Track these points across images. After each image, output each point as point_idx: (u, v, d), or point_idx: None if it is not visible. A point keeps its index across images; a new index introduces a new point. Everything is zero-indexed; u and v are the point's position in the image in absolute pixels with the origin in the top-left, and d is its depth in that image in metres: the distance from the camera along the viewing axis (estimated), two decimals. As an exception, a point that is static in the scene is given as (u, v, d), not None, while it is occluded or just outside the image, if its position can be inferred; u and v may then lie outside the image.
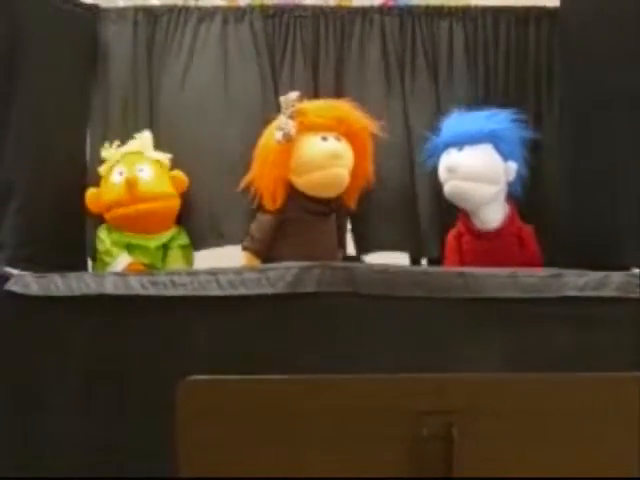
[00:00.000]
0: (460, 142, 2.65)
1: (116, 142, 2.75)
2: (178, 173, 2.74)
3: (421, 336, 2.08)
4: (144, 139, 2.75)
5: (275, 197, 2.59)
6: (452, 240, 2.74)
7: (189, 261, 2.78)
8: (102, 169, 2.72)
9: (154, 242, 2.70)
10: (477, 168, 2.63)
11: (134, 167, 2.66)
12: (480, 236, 2.67)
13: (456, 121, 2.70)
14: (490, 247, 2.64)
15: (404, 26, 2.90)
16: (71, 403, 2.12)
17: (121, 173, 2.66)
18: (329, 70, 2.89)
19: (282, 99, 2.58)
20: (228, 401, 1.51)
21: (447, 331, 2.09)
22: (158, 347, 2.10)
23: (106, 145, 2.75)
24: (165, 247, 2.73)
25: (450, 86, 2.88)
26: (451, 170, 2.62)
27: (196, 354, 2.04)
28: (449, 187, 2.64)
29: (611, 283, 2.12)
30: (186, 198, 2.78)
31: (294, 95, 2.57)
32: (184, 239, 2.77)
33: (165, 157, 2.76)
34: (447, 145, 2.67)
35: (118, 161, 2.70)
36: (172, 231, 2.75)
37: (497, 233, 2.67)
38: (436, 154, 2.70)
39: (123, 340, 2.11)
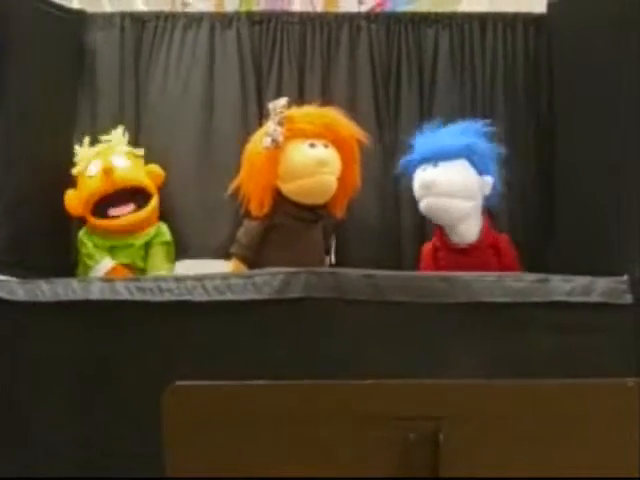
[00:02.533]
0: (435, 158, 2.62)
1: (87, 140, 2.76)
2: (154, 167, 2.76)
3: (407, 341, 2.07)
4: (117, 134, 2.76)
5: (262, 203, 2.59)
6: (428, 253, 2.71)
7: (170, 258, 2.78)
8: (76, 170, 2.72)
9: (138, 240, 2.71)
10: (453, 184, 2.60)
11: (110, 159, 2.67)
12: (457, 251, 2.65)
13: (429, 137, 2.67)
14: (467, 261, 2.61)
15: (391, 32, 2.91)
16: (57, 408, 2.12)
17: (96, 166, 2.67)
18: (315, 76, 2.89)
19: (270, 105, 2.58)
20: (214, 407, 1.51)
21: (433, 336, 2.09)
22: (144, 353, 2.09)
23: (78, 146, 2.76)
24: (147, 244, 2.73)
25: (436, 92, 2.88)
26: (426, 187, 2.59)
27: (182, 360, 2.04)
28: (425, 204, 2.62)
29: (597, 289, 2.12)
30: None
31: (282, 101, 2.57)
32: (166, 236, 2.77)
33: (138, 151, 2.77)
34: (421, 161, 2.64)
35: (92, 158, 2.70)
36: (155, 227, 2.76)
37: (474, 247, 2.66)
38: (410, 171, 2.68)
39: (109, 345, 2.11)
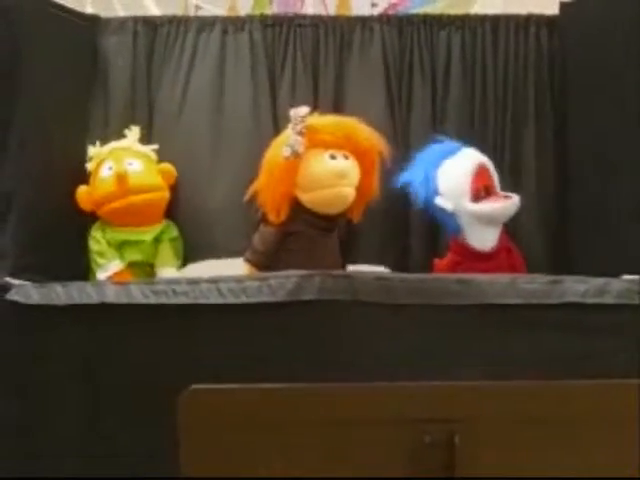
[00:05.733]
0: (455, 150, 2.67)
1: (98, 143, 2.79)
2: (166, 166, 2.78)
3: (421, 343, 2.08)
4: (133, 133, 2.78)
5: (280, 211, 2.58)
6: (445, 270, 2.68)
7: (178, 254, 2.80)
8: (90, 165, 2.74)
9: (149, 235, 2.73)
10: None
11: (123, 161, 2.69)
12: (480, 258, 2.65)
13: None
14: (491, 266, 2.61)
15: (403, 35, 2.90)
16: (72, 411, 2.12)
17: (110, 168, 2.69)
18: (329, 79, 2.89)
19: (292, 113, 2.55)
20: (230, 410, 1.51)
21: (447, 338, 2.09)
22: (160, 356, 2.10)
23: (92, 146, 2.78)
24: (157, 240, 2.75)
25: (449, 93, 2.88)
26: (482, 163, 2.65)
27: (198, 363, 2.04)
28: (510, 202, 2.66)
29: (612, 290, 2.12)
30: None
31: (304, 111, 2.54)
32: (174, 232, 2.80)
33: (151, 150, 2.79)
34: (445, 156, 2.66)
35: (106, 157, 2.72)
36: (163, 224, 2.78)
37: (496, 250, 2.67)
38: (431, 173, 2.67)
39: (124, 349, 2.11)
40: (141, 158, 2.75)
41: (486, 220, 2.63)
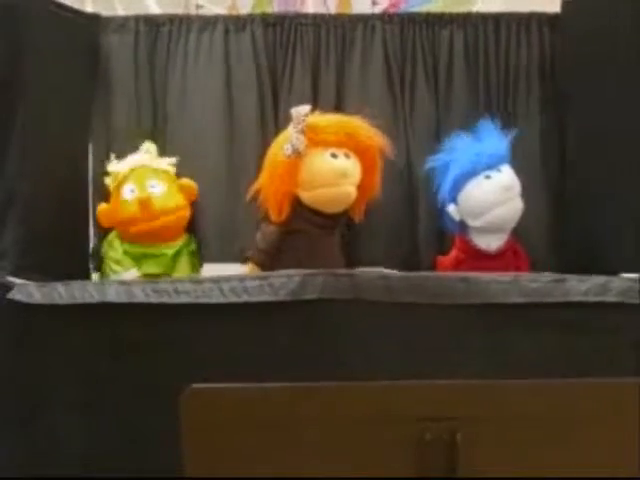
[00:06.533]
0: (496, 164, 2.65)
1: (114, 157, 2.77)
2: (187, 181, 2.77)
3: (424, 342, 2.08)
4: (149, 150, 2.77)
5: (281, 210, 2.58)
6: (448, 267, 2.70)
7: (195, 267, 2.80)
8: (110, 183, 2.74)
9: (171, 250, 2.73)
10: (518, 184, 2.67)
11: (145, 184, 2.68)
12: (486, 257, 2.66)
13: (480, 146, 2.68)
14: (495, 265, 2.61)
15: (405, 33, 2.91)
16: (73, 411, 2.12)
17: (132, 190, 2.68)
18: (330, 77, 2.89)
19: (293, 112, 2.56)
20: (231, 409, 1.51)
21: (450, 337, 2.09)
22: (161, 355, 2.10)
23: (111, 159, 2.76)
24: (177, 254, 2.75)
25: (452, 92, 2.88)
26: (509, 189, 2.63)
27: (199, 362, 2.04)
28: (510, 207, 2.65)
29: (613, 288, 2.11)
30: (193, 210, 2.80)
31: (305, 109, 2.54)
32: (193, 245, 2.81)
33: (170, 164, 2.78)
34: (483, 169, 2.65)
35: (126, 177, 2.71)
36: (184, 238, 2.79)
37: (502, 250, 2.67)
38: (458, 182, 2.67)
39: (126, 348, 2.11)
40: (162, 178, 2.73)
41: (491, 228, 2.64)
